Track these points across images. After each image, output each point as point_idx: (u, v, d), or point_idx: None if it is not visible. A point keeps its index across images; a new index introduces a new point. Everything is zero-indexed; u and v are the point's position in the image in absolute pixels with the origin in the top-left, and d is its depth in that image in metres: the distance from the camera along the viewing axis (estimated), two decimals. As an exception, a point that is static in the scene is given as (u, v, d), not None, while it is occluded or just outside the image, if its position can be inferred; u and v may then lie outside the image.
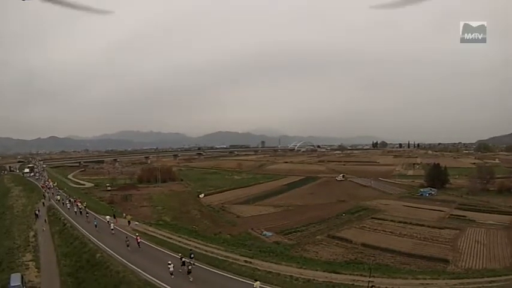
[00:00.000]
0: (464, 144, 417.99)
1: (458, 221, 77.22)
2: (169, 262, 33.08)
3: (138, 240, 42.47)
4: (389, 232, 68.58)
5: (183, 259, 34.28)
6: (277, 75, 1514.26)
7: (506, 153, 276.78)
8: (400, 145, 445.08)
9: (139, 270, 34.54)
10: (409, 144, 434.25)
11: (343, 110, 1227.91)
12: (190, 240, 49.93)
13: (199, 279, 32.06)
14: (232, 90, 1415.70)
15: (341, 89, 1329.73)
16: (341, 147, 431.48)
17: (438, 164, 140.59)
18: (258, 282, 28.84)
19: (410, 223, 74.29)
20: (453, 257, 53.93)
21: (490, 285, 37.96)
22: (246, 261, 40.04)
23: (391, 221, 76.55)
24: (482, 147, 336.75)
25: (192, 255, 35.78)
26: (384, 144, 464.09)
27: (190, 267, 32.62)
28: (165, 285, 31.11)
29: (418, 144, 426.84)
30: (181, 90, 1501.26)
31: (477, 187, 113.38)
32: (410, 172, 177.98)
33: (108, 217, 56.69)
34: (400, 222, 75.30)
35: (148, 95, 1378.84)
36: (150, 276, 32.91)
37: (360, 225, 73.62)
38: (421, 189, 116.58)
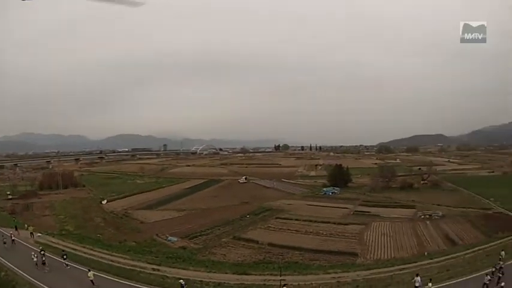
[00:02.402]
0: (365, 146, 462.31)
1: (363, 216, 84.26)
2: (33, 254, 40.45)
3: (13, 238, 50.87)
4: (295, 231, 71.97)
5: (43, 252, 41.03)
6: (181, 76, 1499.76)
7: (407, 154, 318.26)
8: (302, 148, 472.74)
9: (7, 262, 40.96)
10: (311, 146, 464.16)
11: (246, 113, 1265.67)
12: (95, 251, 51.94)
13: (61, 271, 38.67)
14: (135, 91, 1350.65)
15: (244, 92, 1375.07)
16: (243, 150, 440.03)
17: (340, 164, 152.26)
18: (92, 272, 34.80)
19: (316, 221, 78.83)
20: (361, 250, 58.13)
21: (401, 272, 41.26)
22: (153, 269, 42.65)
23: (296, 220, 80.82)
24: (383, 148, 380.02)
25: (65, 257, 40.69)
26: (286, 146, 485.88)
27: (44, 258, 39.47)
28: (22, 272, 37.61)
29: (320, 147, 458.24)
30: (83, 90, 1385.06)
31: (379, 185, 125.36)
32: (312, 173, 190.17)
33: None
34: (305, 220, 79.56)
35: (50, 95, 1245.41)
36: (13, 267, 39.37)
37: (265, 226, 76.94)
38: (324, 189, 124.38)
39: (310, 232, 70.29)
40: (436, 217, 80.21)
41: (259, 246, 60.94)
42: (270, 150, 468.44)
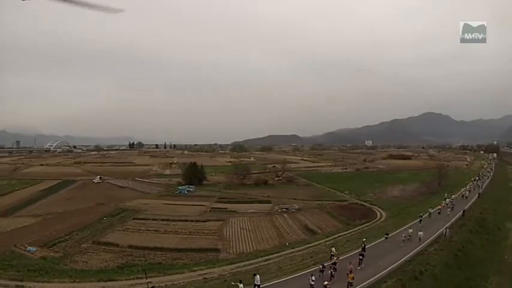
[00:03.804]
0: (220, 145, 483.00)
1: (220, 213, 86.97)
2: None
3: None
4: (154, 231, 71.13)
5: None
6: (35, 68, 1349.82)
7: (261, 152, 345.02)
8: (157, 146, 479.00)
9: None
10: (165, 145, 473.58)
11: (101, 109, 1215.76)
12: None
13: None
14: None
15: (100, 88, 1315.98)
16: (97, 148, 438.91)
17: (195, 163, 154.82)
18: None
19: (174, 220, 79.21)
20: (223, 245, 59.93)
21: (266, 262, 43.85)
22: (17, 286, 40.54)
23: (154, 219, 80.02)
24: (238, 147, 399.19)
25: None
26: (140, 144, 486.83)
27: None
28: None
29: (175, 145, 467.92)
30: None
31: (234, 182, 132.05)
32: (167, 171, 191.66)
33: None
34: (162, 220, 79.24)
35: None
36: None
37: (124, 227, 75.47)
38: (179, 187, 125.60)
39: (170, 231, 70.38)
40: (293, 210, 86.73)
41: (120, 250, 59.77)
42: (124, 148, 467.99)
